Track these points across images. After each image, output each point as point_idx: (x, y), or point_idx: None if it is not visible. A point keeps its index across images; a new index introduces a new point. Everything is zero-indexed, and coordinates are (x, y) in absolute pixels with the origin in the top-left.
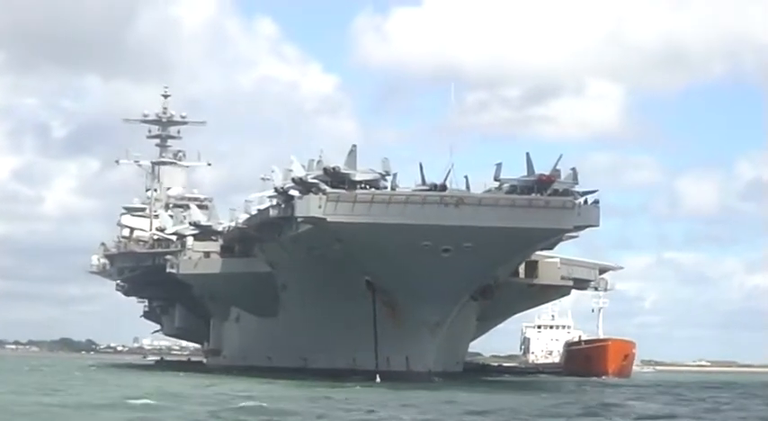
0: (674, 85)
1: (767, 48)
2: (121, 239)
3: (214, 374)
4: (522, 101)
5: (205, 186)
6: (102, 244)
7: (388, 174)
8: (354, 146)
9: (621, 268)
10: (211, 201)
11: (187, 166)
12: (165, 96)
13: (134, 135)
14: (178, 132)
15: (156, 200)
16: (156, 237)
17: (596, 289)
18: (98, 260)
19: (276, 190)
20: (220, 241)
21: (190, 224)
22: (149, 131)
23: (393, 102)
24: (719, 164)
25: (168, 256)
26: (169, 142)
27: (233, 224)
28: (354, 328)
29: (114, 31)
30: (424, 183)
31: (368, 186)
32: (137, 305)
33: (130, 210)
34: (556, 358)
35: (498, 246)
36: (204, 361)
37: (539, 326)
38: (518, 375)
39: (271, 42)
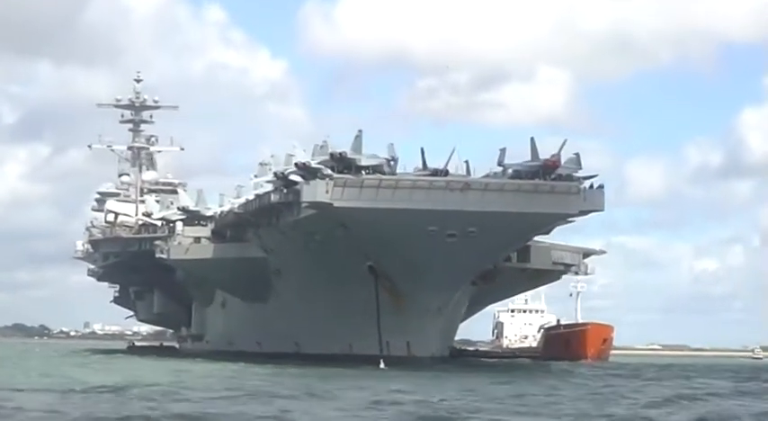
0: (621, 72)
1: (713, 35)
2: (106, 224)
3: (219, 360)
4: (471, 87)
5: (177, 171)
6: (88, 229)
7: (394, 160)
8: (360, 131)
9: (605, 252)
10: (185, 186)
11: (159, 151)
12: (138, 81)
13: (94, 120)
14: (150, 117)
15: (131, 185)
16: (141, 222)
17: (576, 273)
18: (83, 245)
19: (276, 175)
20: (210, 226)
21: (178, 209)
22: (122, 116)
23: (342, 87)
24: (667, 149)
25: (157, 242)
26: (142, 127)
27: (223, 209)
28: (352, 314)
29: (65, 17)
30: (425, 167)
31: (372, 171)
32: (87, 290)
33: (104, 195)
34: (531, 342)
35: (503, 231)
36: (177, 346)
37: (512, 311)
38: (497, 359)
39: (219, 28)
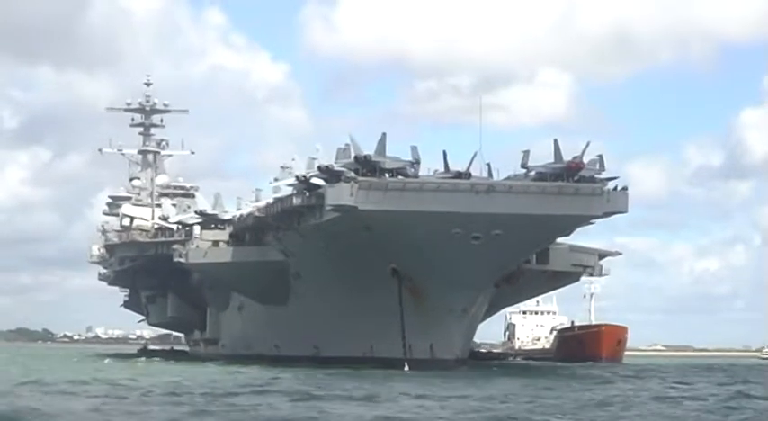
0: (622, 73)
1: (713, 35)
2: (121, 228)
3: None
4: (472, 89)
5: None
6: (102, 233)
7: (417, 163)
8: (384, 134)
9: (620, 254)
10: (197, 190)
11: (171, 155)
12: (148, 84)
13: (95, 124)
14: (161, 121)
15: (143, 188)
16: (158, 226)
17: (591, 274)
18: (98, 250)
19: (298, 178)
20: (228, 230)
21: (196, 213)
22: (132, 120)
23: (343, 90)
24: (668, 150)
25: (175, 246)
26: (152, 130)
27: (241, 212)
28: (373, 316)
29: (66, 21)
30: (447, 170)
31: (396, 174)
32: (89, 294)
33: (116, 199)
34: (543, 344)
35: (528, 234)
36: (188, 350)
37: (524, 312)
38: (511, 361)
39: (220, 32)
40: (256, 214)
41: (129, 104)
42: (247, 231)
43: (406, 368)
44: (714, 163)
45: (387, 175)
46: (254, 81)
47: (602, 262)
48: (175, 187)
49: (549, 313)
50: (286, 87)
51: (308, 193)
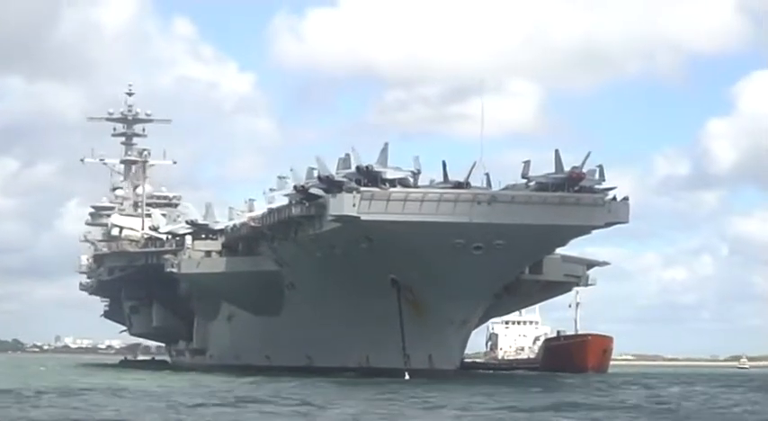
0: (591, 84)
1: (681, 47)
2: (108, 238)
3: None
4: (441, 99)
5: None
6: (92, 244)
7: (419, 173)
8: (386, 144)
9: (608, 264)
10: (180, 200)
11: (153, 165)
12: (130, 94)
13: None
14: (143, 130)
15: (125, 198)
16: (147, 236)
17: (577, 284)
18: (87, 260)
19: (296, 188)
20: (221, 240)
21: (187, 223)
22: (114, 129)
23: (312, 100)
24: (635, 160)
25: (167, 256)
26: (134, 140)
27: (234, 222)
28: (370, 326)
29: (36, 32)
30: (446, 180)
31: (398, 184)
32: (56, 303)
33: (99, 210)
34: (528, 354)
35: (529, 244)
36: (169, 360)
37: (506, 322)
38: (497, 371)
39: (189, 43)
40: (252, 224)
41: (111, 114)
42: (240, 241)
43: (407, 377)
44: (681, 173)
45: (388, 186)
46: (222, 92)
47: (589, 272)
48: (158, 197)
49: (531, 323)
50: (254, 98)
51: (307, 204)
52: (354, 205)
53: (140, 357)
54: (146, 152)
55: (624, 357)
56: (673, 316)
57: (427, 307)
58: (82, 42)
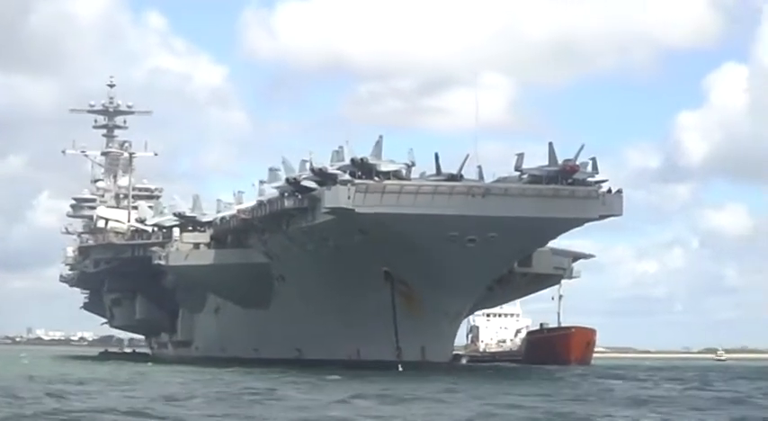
0: (564, 78)
1: (654, 41)
2: (90, 231)
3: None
4: (414, 92)
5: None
6: (78, 236)
7: (413, 165)
8: (381, 136)
9: (593, 256)
10: (161, 192)
11: (136, 156)
12: (111, 86)
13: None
14: (124, 122)
15: (107, 190)
16: (134, 228)
17: (563, 277)
18: (73, 252)
19: (288, 181)
20: (209, 232)
21: (174, 215)
22: (95, 122)
23: (284, 93)
24: (608, 153)
25: (154, 248)
26: (116, 132)
27: (222, 215)
28: (361, 319)
29: (9, 24)
30: (438, 172)
31: (392, 177)
32: (28, 295)
33: (80, 201)
34: (510, 346)
35: (523, 236)
36: (149, 352)
37: (488, 315)
38: (481, 364)
39: (160, 35)
40: (242, 216)
41: (92, 106)
42: (230, 233)
43: (400, 369)
44: (653, 166)
45: (381, 178)
46: (195, 84)
47: (574, 264)
48: (141, 189)
49: (512, 315)
50: (226, 91)
51: (300, 196)
52: (349, 197)
53: (113, 350)
54: (127, 144)
55: (597, 349)
56: (644, 308)
57: (420, 299)
58: (55, 35)
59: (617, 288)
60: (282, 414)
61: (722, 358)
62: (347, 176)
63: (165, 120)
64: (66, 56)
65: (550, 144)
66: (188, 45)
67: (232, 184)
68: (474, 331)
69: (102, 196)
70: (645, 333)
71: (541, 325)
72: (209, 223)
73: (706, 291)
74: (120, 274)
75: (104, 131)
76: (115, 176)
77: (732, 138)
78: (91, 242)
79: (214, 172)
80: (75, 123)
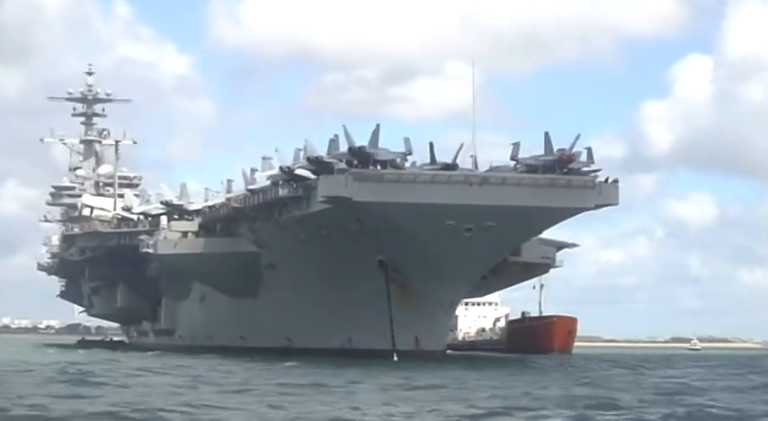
0: (527, 67)
1: (618, 31)
2: (70, 219)
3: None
4: (379, 82)
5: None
6: (63, 224)
7: (409, 154)
8: (378, 125)
9: (577, 245)
10: (141, 180)
11: (113, 144)
12: (90, 73)
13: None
14: (103, 110)
15: (86, 178)
16: (120, 216)
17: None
18: (58, 240)
19: (282, 169)
20: (197, 220)
21: (161, 203)
22: (74, 109)
23: (250, 82)
24: (571, 142)
25: (142, 236)
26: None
27: (210, 203)
28: (353, 308)
29: None
30: (433, 162)
31: (389, 166)
32: None
33: (59, 189)
34: (490, 335)
35: (519, 225)
36: (126, 340)
37: (466, 303)
38: (462, 352)
39: (127, 24)
40: (234, 205)
41: (70, 93)
42: (219, 222)
43: (395, 358)
44: (617, 155)
45: (378, 167)
46: (161, 72)
47: (558, 253)
48: (120, 177)
49: (490, 304)
50: (192, 79)
51: (294, 184)
52: (346, 186)
53: (92, 338)
54: (105, 132)
55: None
56: (610, 297)
57: (415, 288)
58: (22, 24)
59: (582, 277)
60: None
61: (696, 347)
62: (343, 165)
63: (131, 108)
64: (33, 45)
65: (546, 134)
66: (154, 34)
67: (198, 174)
68: (453, 320)
69: (82, 184)
70: (609, 322)
71: (523, 314)
72: (197, 211)
73: (670, 281)
74: (101, 263)
75: (83, 119)
76: (97, 164)
77: (697, 128)
78: (76, 230)
79: (181, 161)
80: (46, 112)
